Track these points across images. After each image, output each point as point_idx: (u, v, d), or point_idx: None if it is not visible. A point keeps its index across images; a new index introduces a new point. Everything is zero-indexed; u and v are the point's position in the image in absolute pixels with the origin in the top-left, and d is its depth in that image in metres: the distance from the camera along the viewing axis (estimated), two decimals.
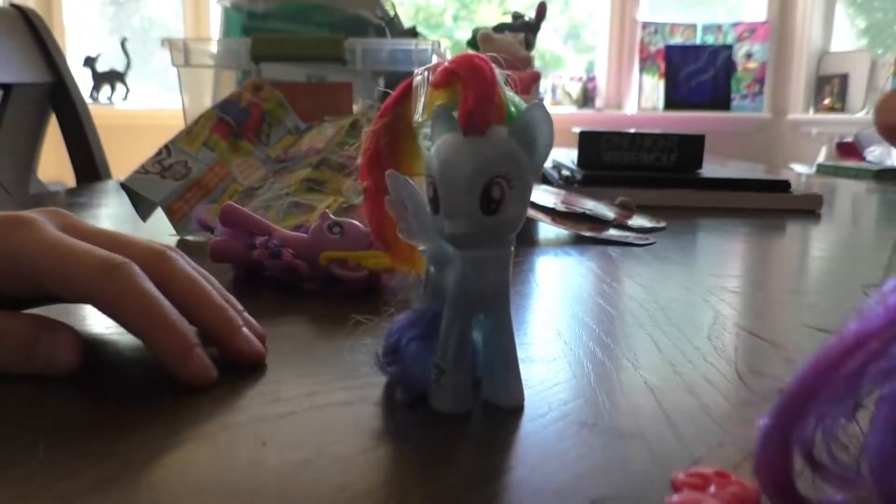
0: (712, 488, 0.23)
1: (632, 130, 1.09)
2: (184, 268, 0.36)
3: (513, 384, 0.31)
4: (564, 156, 1.20)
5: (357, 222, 0.52)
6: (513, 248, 0.29)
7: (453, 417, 0.30)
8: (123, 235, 0.36)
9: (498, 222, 0.27)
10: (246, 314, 0.39)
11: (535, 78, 0.93)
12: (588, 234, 0.73)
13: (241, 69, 1.09)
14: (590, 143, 1.06)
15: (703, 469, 0.24)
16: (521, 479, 0.25)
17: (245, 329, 0.36)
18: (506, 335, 0.30)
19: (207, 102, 1.10)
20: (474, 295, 0.29)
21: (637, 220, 0.82)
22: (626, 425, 0.29)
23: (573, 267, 0.60)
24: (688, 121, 3.34)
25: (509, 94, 0.28)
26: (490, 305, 0.30)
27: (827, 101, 3.56)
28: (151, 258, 0.35)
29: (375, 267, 0.50)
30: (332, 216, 0.52)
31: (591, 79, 3.62)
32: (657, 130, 1.10)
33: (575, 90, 3.60)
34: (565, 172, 1.07)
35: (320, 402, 0.31)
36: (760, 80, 3.63)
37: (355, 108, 1.04)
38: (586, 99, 3.65)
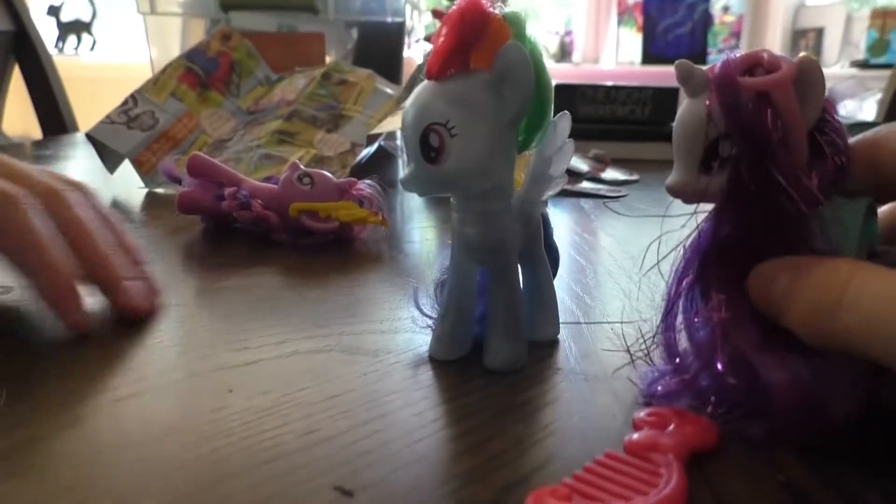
0: (671, 427, 0.23)
1: (608, 83, 1.08)
2: (74, 208, 0.34)
3: (507, 345, 0.30)
4: None
5: (328, 173, 0.52)
6: (506, 205, 0.28)
7: (420, 364, 0.30)
8: (27, 169, 0.34)
9: (442, 172, 0.26)
10: (143, 267, 0.37)
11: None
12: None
13: (209, 17, 1.06)
14: (565, 96, 1.05)
15: (662, 409, 0.24)
16: (484, 423, 0.25)
17: (128, 283, 0.34)
18: (505, 292, 0.29)
19: (175, 53, 1.07)
20: (463, 247, 0.29)
21: (610, 173, 0.83)
22: (591, 370, 0.30)
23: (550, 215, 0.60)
24: (665, 75, 3.33)
25: (528, 36, 0.27)
26: (486, 260, 0.29)
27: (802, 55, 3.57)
28: (47, 195, 0.33)
29: (346, 218, 0.50)
30: (301, 167, 0.52)
31: (569, 33, 3.59)
32: (632, 84, 1.09)
33: (552, 44, 3.56)
34: None
35: (287, 351, 0.31)
36: (737, 34, 3.62)
37: (328, 59, 1.02)
38: (564, 53, 3.62)
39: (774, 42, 3.68)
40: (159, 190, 0.69)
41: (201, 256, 0.48)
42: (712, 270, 0.25)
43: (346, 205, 0.50)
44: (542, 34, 3.59)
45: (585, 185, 0.76)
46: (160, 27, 1.11)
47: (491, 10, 0.26)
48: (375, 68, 0.85)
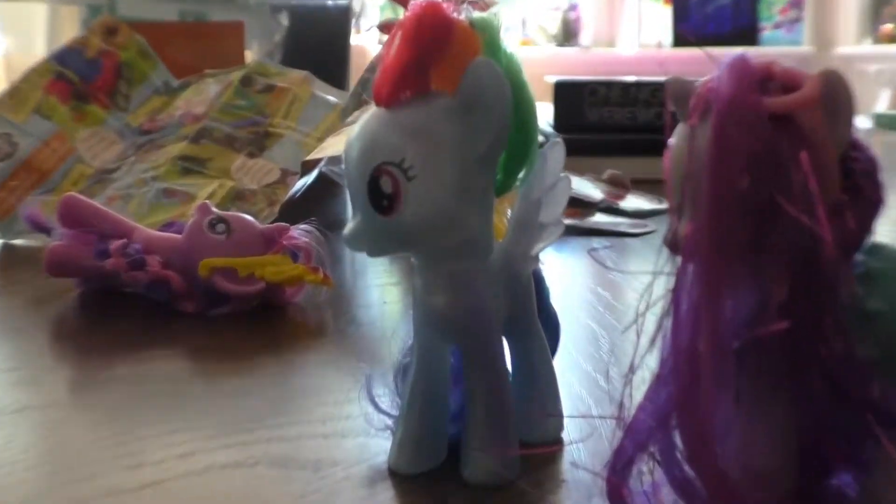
0: None
1: (627, 78, 1.11)
2: None
3: (493, 450, 0.30)
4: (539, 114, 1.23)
5: (250, 217, 0.53)
6: (482, 263, 0.30)
7: (377, 481, 0.31)
8: None
9: (398, 225, 0.27)
10: None
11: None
12: (567, 221, 0.75)
13: (86, 3, 1.08)
14: (568, 96, 1.08)
15: None
16: None
17: None
18: (486, 379, 0.30)
19: (39, 53, 1.08)
20: (430, 321, 0.30)
21: (632, 201, 0.85)
22: None
23: (544, 270, 0.61)
24: (703, 62, 3.39)
25: (501, 46, 0.29)
26: (460, 337, 0.30)
27: (888, 28, 3.65)
28: None
29: (275, 278, 0.51)
30: (214, 208, 0.53)
31: (574, 7, 3.66)
32: (660, 77, 1.12)
33: (553, 23, 3.63)
34: (539, 139, 1.09)
35: (198, 466, 0.32)
36: (798, 3, 3.72)
37: (248, 57, 1.04)
38: (568, 35, 3.69)
39: (849, 13, 3.78)
40: (19, 241, 0.70)
41: (78, 335, 0.49)
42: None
43: (274, 259, 0.51)
44: (540, 13, 3.66)
45: (599, 218, 0.78)
46: (17, 14, 1.13)
47: (454, 15, 0.28)
48: (313, 68, 0.87)
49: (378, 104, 0.28)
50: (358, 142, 0.28)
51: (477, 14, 0.29)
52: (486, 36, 0.29)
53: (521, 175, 0.30)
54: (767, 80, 0.25)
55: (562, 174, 0.32)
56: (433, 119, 0.27)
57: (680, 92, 0.26)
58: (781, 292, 0.25)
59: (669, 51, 3.54)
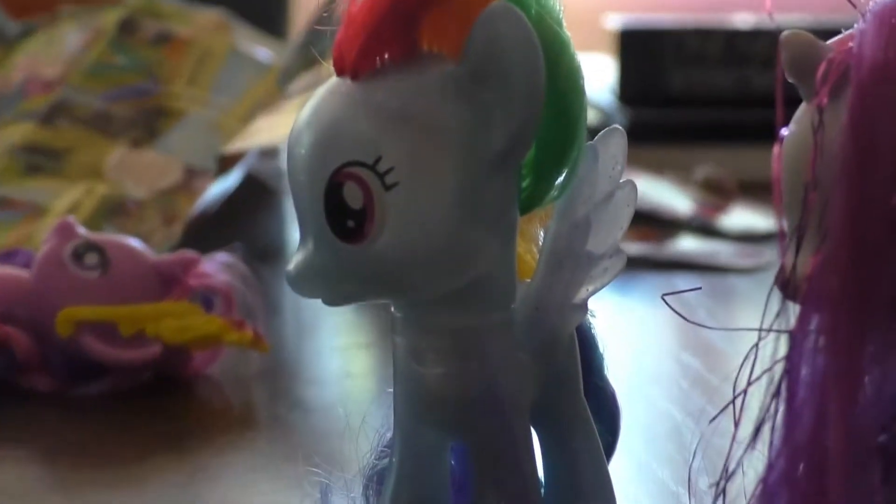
0: None
1: (736, 21, 1.11)
2: None
3: None
4: (592, 78, 1.22)
5: (137, 242, 0.54)
6: (499, 316, 0.31)
7: None
8: None
9: (371, 258, 0.28)
10: None
11: None
12: (637, 248, 0.75)
13: None
14: (641, 50, 1.09)
15: None
16: None
17: None
18: (505, 489, 0.31)
19: None
20: (419, 404, 0.32)
21: (739, 217, 0.86)
22: None
23: (596, 327, 0.62)
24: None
25: None
26: (465, 429, 0.32)
27: None
28: None
29: (178, 338, 0.51)
30: (81, 231, 0.54)
31: None
32: (788, 19, 1.12)
33: None
34: (592, 116, 1.10)
35: None
36: None
37: None
38: None
39: None
40: None
41: None
42: None
43: (177, 309, 0.52)
44: None
45: (687, 244, 0.79)
46: None
47: None
48: (235, 6, 0.88)
49: (340, 73, 0.30)
50: (309, 130, 0.29)
51: None
52: None
53: (559, 181, 0.31)
54: None
55: (622, 180, 0.33)
56: (425, 96, 0.29)
57: (802, 56, 0.28)
58: None
59: None
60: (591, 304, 0.34)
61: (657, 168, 0.92)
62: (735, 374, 0.28)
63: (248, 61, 0.83)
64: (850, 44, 0.27)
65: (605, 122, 1.06)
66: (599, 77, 1.18)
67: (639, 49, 1.09)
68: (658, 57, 1.08)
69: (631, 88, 1.09)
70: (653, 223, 0.81)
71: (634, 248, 0.76)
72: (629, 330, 0.63)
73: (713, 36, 1.08)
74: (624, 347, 0.53)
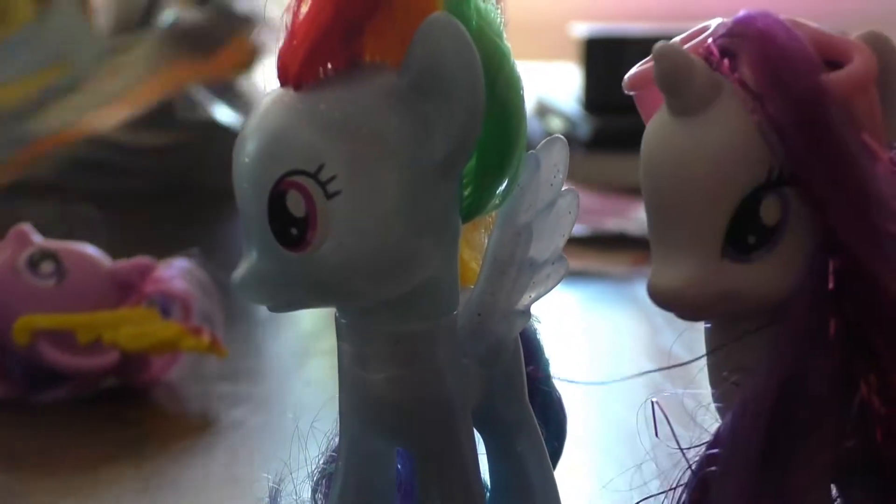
0: None
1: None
2: None
3: None
4: (557, 87, 1.21)
5: (94, 250, 0.55)
6: (444, 322, 0.31)
7: None
8: None
9: (315, 265, 0.29)
10: None
11: None
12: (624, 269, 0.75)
13: None
14: (606, 57, 1.09)
15: None
16: None
17: None
18: (448, 494, 0.32)
19: None
20: (364, 409, 0.32)
21: None
22: None
23: (543, 331, 0.62)
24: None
25: None
26: (410, 434, 0.32)
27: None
28: None
29: (135, 344, 0.52)
30: (37, 238, 0.54)
31: None
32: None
33: None
34: (557, 124, 1.10)
35: None
36: None
37: None
38: None
39: None
40: None
41: None
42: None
43: (134, 315, 0.52)
44: None
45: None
46: None
47: None
48: None
49: (284, 83, 0.30)
50: (253, 139, 0.29)
51: None
52: None
53: (501, 189, 0.32)
54: None
55: (564, 188, 0.34)
56: (367, 106, 0.29)
57: (674, 69, 0.28)
58: None
59: None
60: (538, 309, 0.34)
61: (622, 176, 0.92)
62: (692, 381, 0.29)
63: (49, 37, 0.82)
64: (707, 53, 0.29)
65: (571, 130, 1.07)
66: (565, 85, 1.18)
67: (604, 57, 1.09)
68: (623, 65, 1.07)
69: (596, 96, 1.09)
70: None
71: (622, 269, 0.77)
72: (584, 331, 0.64)
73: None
74: (579, 351, 0.54)
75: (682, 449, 0.32)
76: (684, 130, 0.28)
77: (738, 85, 0.28)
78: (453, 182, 0.31)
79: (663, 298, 0.29)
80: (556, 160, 0.34)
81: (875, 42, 0.27)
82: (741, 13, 0.29)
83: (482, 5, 0.31)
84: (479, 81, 0.29)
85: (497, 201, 0.32)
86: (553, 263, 0.34)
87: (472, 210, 0.32)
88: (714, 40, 0.29)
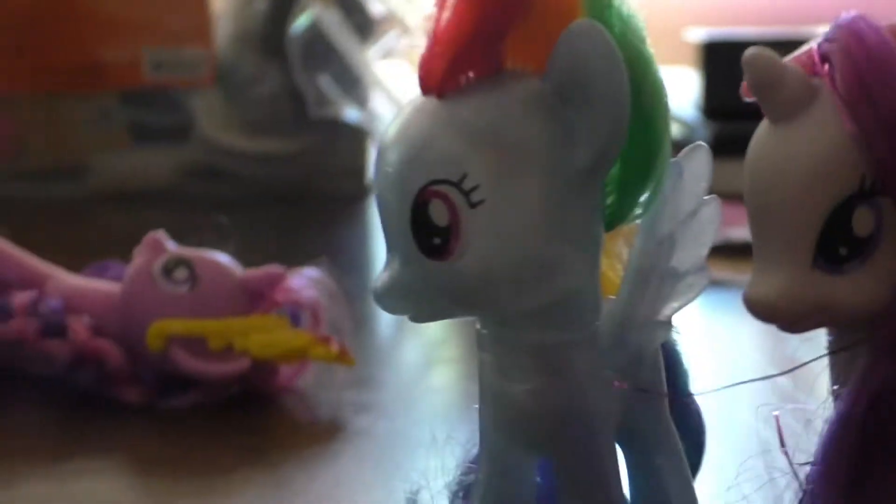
0: None
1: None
2: None
3: None
4: (674, 92, 1.21)
5: (226, 258, 0.55)
6: (585, 333, 0.31)
7: None
8: None
9: (457, 275, 0.29)
10: None
11: None
12: (722, 273, 0.75)
13: None
14: (725, 62, 1.08)
15: None
16: None
17: None
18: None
19: None
20: (506, 421, 0.32)
21: None
22: None
23: (683, 343, 0.62)
24: None
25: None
26: (552, 445, 0.32)
27: None
28: None
29: (266, 352, 0.52)
30: (171, 245, 0.55)
31: None
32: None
33: None
34: (676, 130, 1.09)
35: None
36: None
37: None
38: None
39: None
40: None
41: None
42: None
43: (264, 323, 0.53)
44: None
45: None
46: None
47: None
48: None
49: (426, 92, 0.30)
50: (395, 149, 0.29)
51: None
52: None
53: (643, 198, 0.32)
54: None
55: (707, 196, 0.33)
56: (509, 114, 0.29)
57: (765, 74, 0.29)
58: None
59: None
60: (678, 321, 0.34)
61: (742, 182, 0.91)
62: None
63: None
64: (810, 59, 0.29)
65: (689, 136, 1.06)
66: (682, 91, 1.17)
67: (722, 62, 1.08)
68: (742, 69, 1.07)
69: (715, 102, 1.09)
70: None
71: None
72: (719, 347, 0.63)
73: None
74: (713, 365, 0.53)
75: (792, 464, 0.32)
76: (777, 137, 0.29)
77: (832, 91, 0.28)
78: (596, 190, 0.30)
79: (755, 309, 0.29)
80: (698, 169, 0.33)
81: None
82: (841, 16, 0.29)
83: (625, 11, 0.31)
84: (624, 89, 0.28)
85: (640, 210, 0.32)
86: (695, 274, 0.33)
87: (615, 219, 0.32)
88: (818, 44, 0.29)
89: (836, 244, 0.27)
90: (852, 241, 0.27)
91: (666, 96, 0.32)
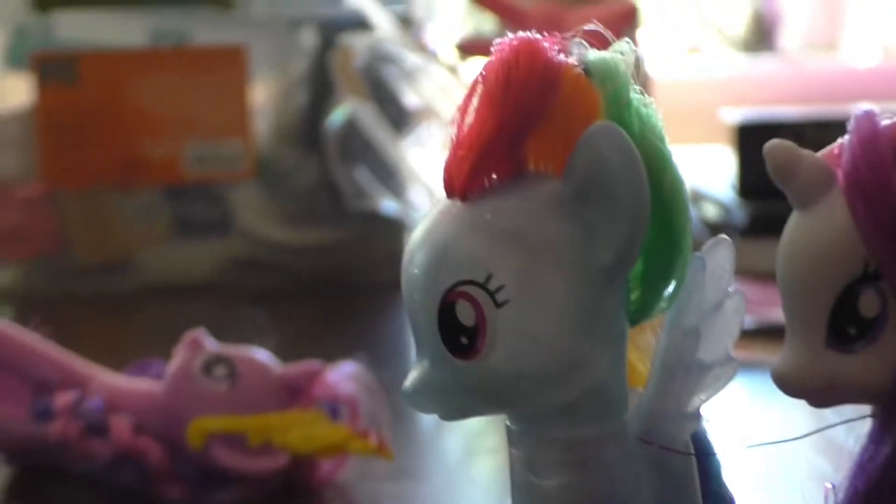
0: None
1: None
2: None
3: None
4: (710, 173, 1.21)
5: (264, 354, 0.56)
6: (613, 426, 0.31)
7: None
8: None
9: (485, 373, 0.29)
10: None
11: (627, 16, 0.95)
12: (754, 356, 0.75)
13: (9, 22, 1.11)
14: (760, 145, 1.08)
15: None
16: None
17: None
18: None
19: None
20: None
21: None
22: None
23: (713, 433, 0.62)
24: None
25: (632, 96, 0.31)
26: None
27: None
28: None
29: (305, 447, 0.52)
30: (210, 344, 0.55)
31: None
32: None
33: (736, 20, 3.63)
34: (712, 211, 1.09)
35: None
36: None
37: (258, 93, 1.08)
38: (760, 37, 3.68)
39: None
40: None
41: None
42: None
43: (303, 418, 0.53)
44: (713, 6, 3.68)
45: None
46: None
47: (561, 59, 0.30)
48: None
49: (451, 195, 0.30)
50: (422, 251, 0.30)
51: (595, 55, 0.31)
52: (609, 88, 0.30)
53: (667, 292, 0.32)
54: None
55: (731, 288, 0.34)
56: (532, 215, 0.29)
57: (783, 163, 0.30)
58: None
59: None
60: (706, 412, 0.34)
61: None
62: None
63: None
64: (840, 155, 0.29)
65: (725, 216, 1.06)
66: (718, 171, 1.17)
67: (758, 142, 1.07)
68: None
69: (751, 182, 1.09)
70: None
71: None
72: (757, 428, 0.63)
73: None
74: (748, 453, 0.53)
75: None
76: (797, 222, 0.30)
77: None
78: (620, 286, 0.31)
79: (777, 383, 0.30)
80: (721, 261, 0.33)
81: None
82: (856, 111, 0.30)
83: (644, 110, 0.31)
84: (644, 189, 0.29)
85: (664, 304, 0.32)
86: (721, 365, 0.34)
87: (639, 314, 0.32)
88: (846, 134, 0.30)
89: (844, 325, 0.28)
90: (859, 322, 0.28)
91: (685, 193, 0.32)
